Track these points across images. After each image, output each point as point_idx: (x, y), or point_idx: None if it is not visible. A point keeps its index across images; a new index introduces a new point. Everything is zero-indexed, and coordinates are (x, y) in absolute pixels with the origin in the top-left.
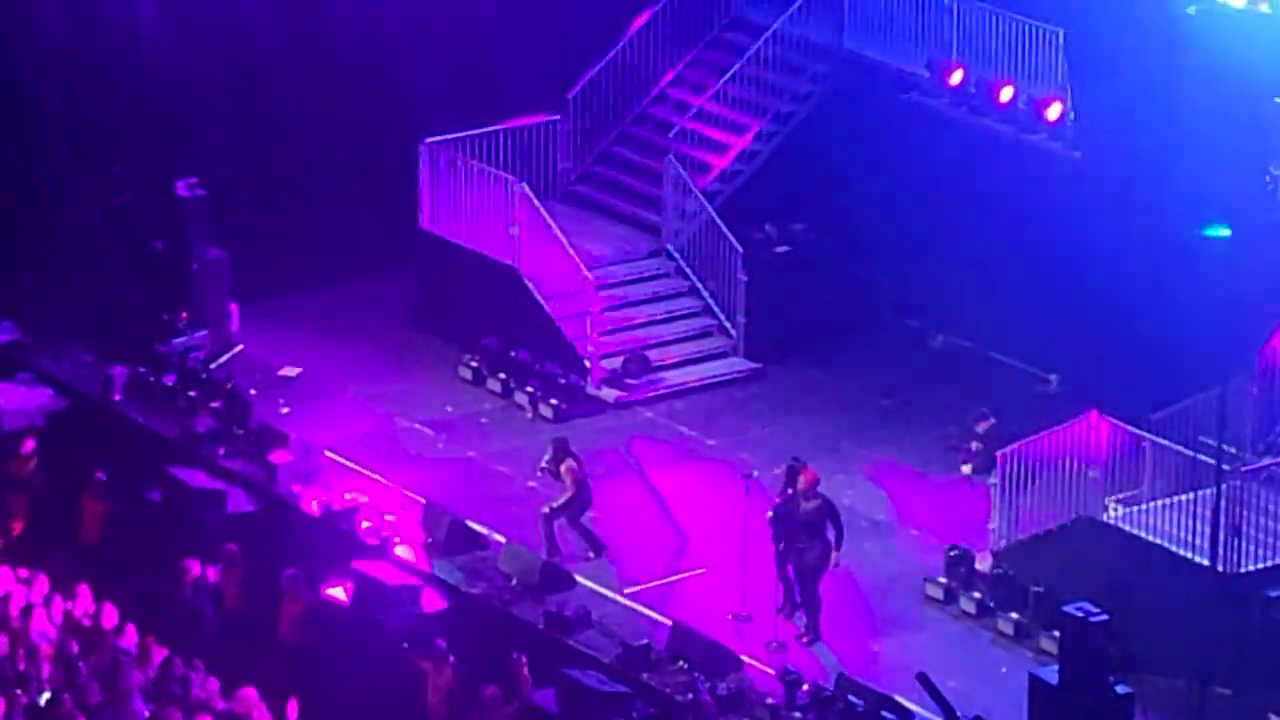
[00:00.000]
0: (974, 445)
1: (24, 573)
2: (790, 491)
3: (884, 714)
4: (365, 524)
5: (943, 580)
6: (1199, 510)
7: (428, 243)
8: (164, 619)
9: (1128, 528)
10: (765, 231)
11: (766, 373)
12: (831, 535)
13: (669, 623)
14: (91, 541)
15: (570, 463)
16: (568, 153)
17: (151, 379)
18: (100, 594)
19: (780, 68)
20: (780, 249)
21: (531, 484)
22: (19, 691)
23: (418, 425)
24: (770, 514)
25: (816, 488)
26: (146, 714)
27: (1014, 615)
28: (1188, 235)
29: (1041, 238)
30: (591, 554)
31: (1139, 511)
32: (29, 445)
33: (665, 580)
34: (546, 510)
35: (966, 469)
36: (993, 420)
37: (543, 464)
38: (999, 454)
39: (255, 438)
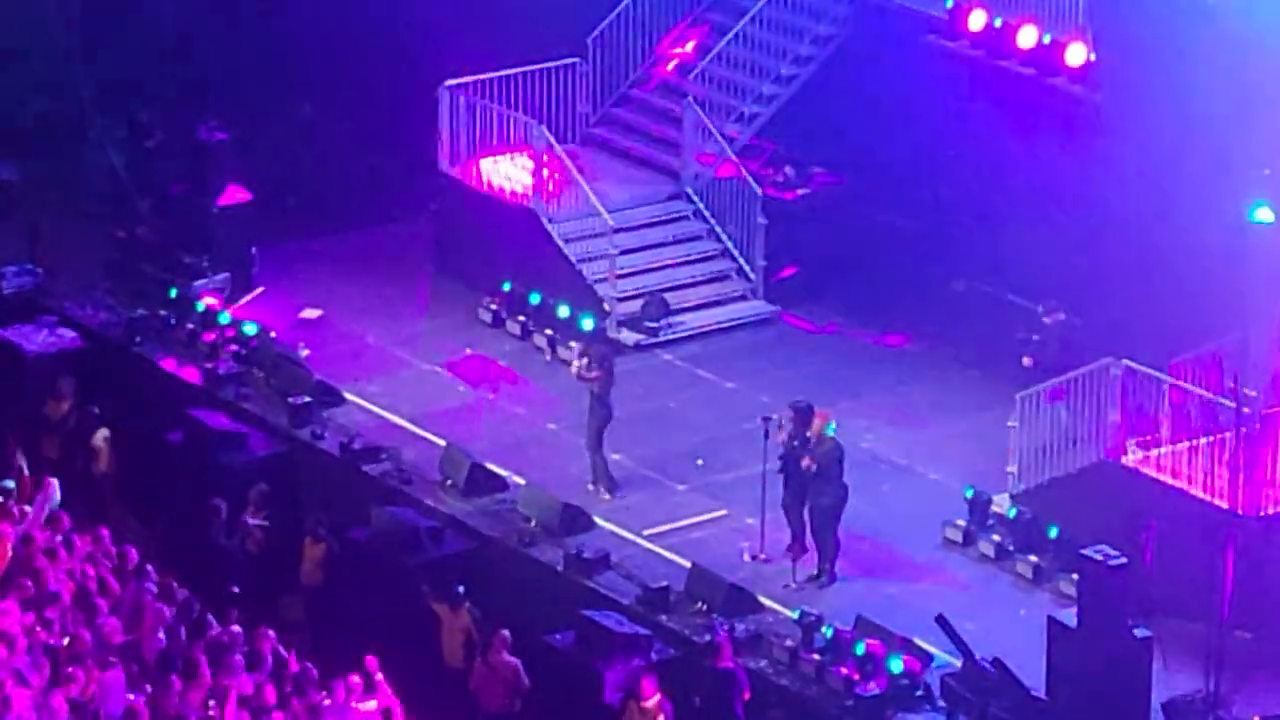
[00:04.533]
0: (1036, 337)
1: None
2: (806, 435)
3: (903, 656)
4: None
5: (962, 523)
6: (1219, 454)
7: (447, 185)
8: (188, 560)
9: (1147, 471)
10: (784, 174)
11: (785, 316)
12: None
13: (688, 564)
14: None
15: (599, 373)
16: (587, 96)
17: (173, 322)
18: (122, 535)
19: (800, 11)
20: (800, 192)
21: (551, 426)
22: (40, 631)
23: (438, 368)
24: (780, 459)
25: (829, 431)
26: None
27: (1033, 558)
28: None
29: (1063, 181)
30: (599, 488)
31: (1159, 455)
32: (68, 385)
33: (685, 522)
34: (588, 441)
35: (1027, 361)
36: (1062, 315)
37: (577, 370)
38: (1019, 396)
39: (276, 380)
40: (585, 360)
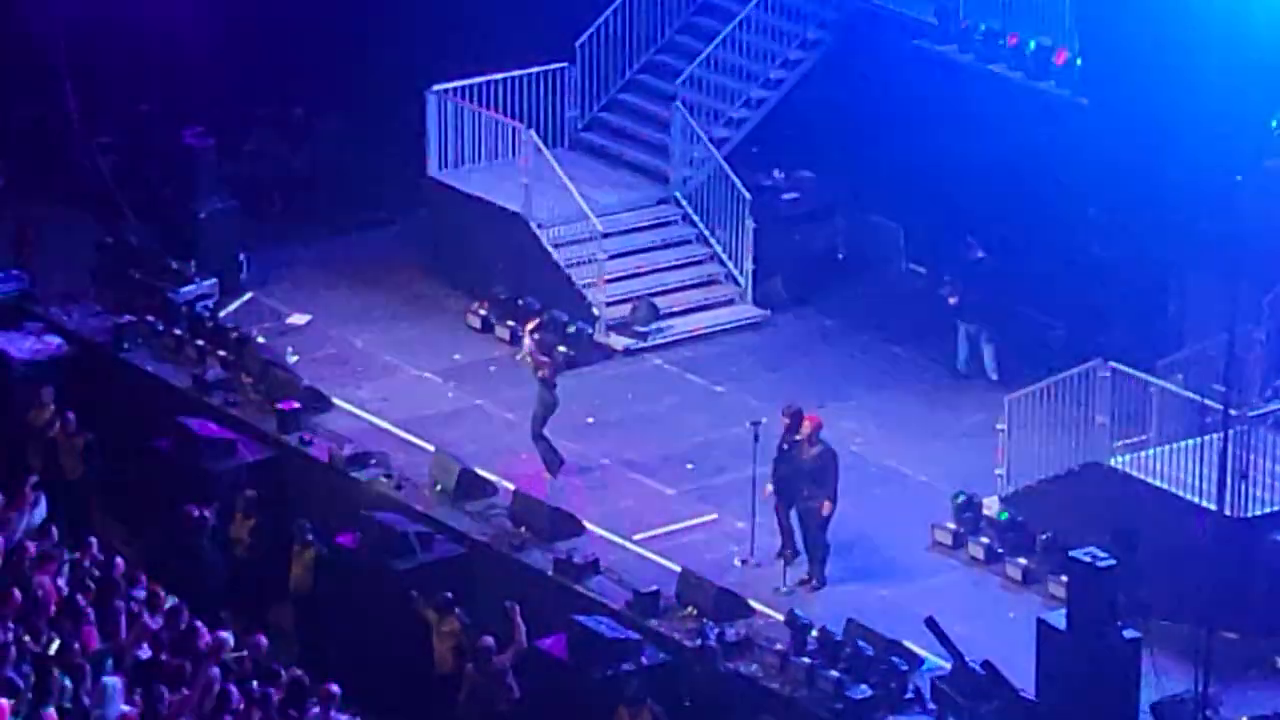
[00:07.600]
0: (947, 278)
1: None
2: (795, 439)
3: (892, 659)
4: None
5: (951, 526)
6: (1206, 455)
7: (436, 190)
8: (174, 568)
9: (1135, 473)
10: (773, 178)
11: (774, 320)
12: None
13: (678, 569)
14: (74, 478)
15: (547, 358)
16: (576, 100)
17: (160, 328)
18: (109, 543)
19: (789, 14)
20: (788, 196)
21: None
22: (28, 639)
23: (426, 373)
24: (772, 463)
25: (819, 435)
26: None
27: (1022, 560)
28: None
29: (1049, 183)
30: (547, 474)
31: (1146, 457)
32: (48, 394)
33: (675, 527)
34: (534, 427)
35: (953, 300)
36: (981, 254)
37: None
38: (1007, 399)
39: (264, 386)
40: (534, 340)
